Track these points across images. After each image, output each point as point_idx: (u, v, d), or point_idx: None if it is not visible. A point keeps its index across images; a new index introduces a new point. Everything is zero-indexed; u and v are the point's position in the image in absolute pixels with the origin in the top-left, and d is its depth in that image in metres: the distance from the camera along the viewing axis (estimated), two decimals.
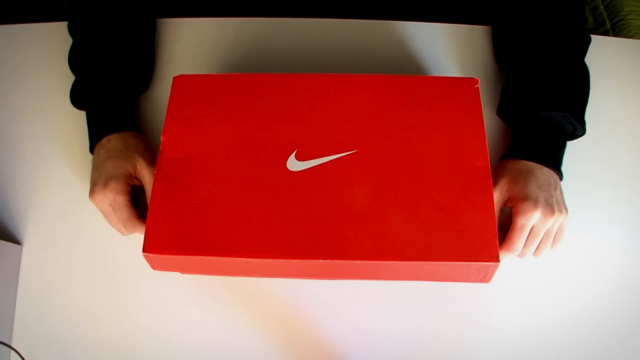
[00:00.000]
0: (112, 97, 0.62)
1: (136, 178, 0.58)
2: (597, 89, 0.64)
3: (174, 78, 0.59)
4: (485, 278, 0.53)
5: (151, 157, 0.59)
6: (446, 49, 0.71)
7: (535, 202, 0.54)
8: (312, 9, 0.74)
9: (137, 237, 0.55)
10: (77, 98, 0.63)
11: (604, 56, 0.69)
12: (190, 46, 0.72)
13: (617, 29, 0.89)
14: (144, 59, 0.67)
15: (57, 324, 0.59)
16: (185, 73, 0.59)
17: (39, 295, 0.60)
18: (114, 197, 0.56)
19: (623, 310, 0.58)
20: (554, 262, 0.60)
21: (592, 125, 0.62)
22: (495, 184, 0.57)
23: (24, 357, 0.53)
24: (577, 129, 0.60)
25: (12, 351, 0.54)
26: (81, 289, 0.60)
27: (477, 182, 0.52)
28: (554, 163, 0.58)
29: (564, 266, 0.60)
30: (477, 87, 0.57)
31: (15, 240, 0.62)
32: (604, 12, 0.91)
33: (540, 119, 0.59)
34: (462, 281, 0.54)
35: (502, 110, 0.64)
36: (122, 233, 0.58)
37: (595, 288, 0.59)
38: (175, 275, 0.60)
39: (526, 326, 0.58)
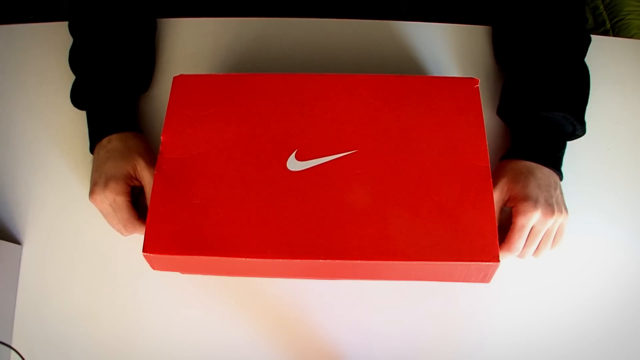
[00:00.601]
0: (112, 97, 0.62)
1: (136, 179, 0.58)
2: (597, 89, 0.64)
3: (174, 78, 0.59)
4: (485, 278, 0.53)
5: (151, 157, 0.59)
6: (446, 49, 0.71)
7: (535, 203, 0.54)
8: (312, 9, 0.74)
9: (137, 237, 0.55)
10: (78, 98, 0.63)
11: (604, 56, 0.69)
12: (190, 46, 0.72)
13: (617, 29, 0.89)
14: (145, 59, 0.67)
15: (57, 324, 0.59)
16: (185, 73, 0.59)
17: (39, 295, 0.60)
18: (114, 198, 0.56)
19: (623, 310, 0.58)
20: (554, 262, 0.60)
21: (592, 125, 0.62)
22: (495, 184, 0.57)
23: (24, 357, 0.53)
24: (577, 129, 0.60)
25: (12, 351, 0.54)
26: (81, 289, 0.60)
27: (477, 182, 0.52)
28: (554, 163, 0.58)
29: (564, 266, 0.60)
30: (477, 87, 0.57)
31: (15, 240, 0.62)
32: (604, 12, 0.91)
33: (540, 119, 0.59)
34: (462, 281, 0.54)
35: (502, 110, 0.64)
36: (121, 234, 0.58)
37: (595, 288, 0.59)
38: (175, 275, 0.60)
39: (526, 326, 0.58)
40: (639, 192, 0.63)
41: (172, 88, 0.58)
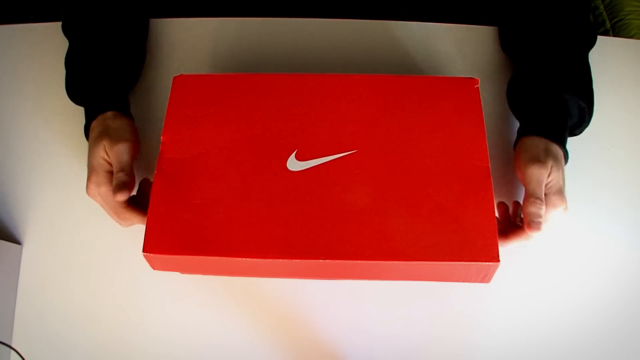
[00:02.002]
0: (99, 91, 0.61)
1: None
2: (597, 89, 0.64)
3: (174, 78, 0.59)
4: (485, 278, 0.53)
5: (120, 134, 0.57)
6: (446, 49, 0.71)
7: (564, 198, 0.54)
8: (312, 9, 0.74)
9: (137, 237, 0.55)
10: (70, 93, 0.63)
11: (604, 56, 0.69)
12: (190, 46, 0.72)
13: (617, 29, 0.89)
14: (133, 59, 0.67)
15: (57, 324, 0.59)
16: (185, 73, 0.59)
17: (39, 295, 0.60)
18: (98, 190, 0.55)
19: (623, 310, 0.58)
20: (554, 262, 0.60)
21: (592, 125, 0.62)
22: (535, 164, 0.54)
23: (24, 357, 0.53)
24: (587, 120, 0.60)
25: (12, 351, 0.54)
26: (81, 289, 0.60)
27: (477, 182, 0.52)
28: (564, 144, 0.57)
29: (564, 266, 0.60)
30: (477, 87, 0.57)
31: (15, 240, 0.62)
32: (604, 12, 0.91)
33: (563, 101, 0.58)
34: (462, 281, 0.54)
35: (517, 91, 0.63)
36: (120, 225, 0.58)
37: (595, 288, 0.59)
38: (175, 275, 0.60)
39: (526, 326, 0.58)
40: (639, 192, 0.63)
41: (172, 88, 0.58)
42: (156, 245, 0.51)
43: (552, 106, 0.59)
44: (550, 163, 0.55)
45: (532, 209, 0.52)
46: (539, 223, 0.52)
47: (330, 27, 0.72)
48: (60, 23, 0.69)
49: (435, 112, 0.56)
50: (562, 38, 0.62)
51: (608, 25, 0.90)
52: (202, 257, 0.51)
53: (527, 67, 0.63)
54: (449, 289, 0.59)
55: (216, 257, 0.51)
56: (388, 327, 0.58)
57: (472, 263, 0.49)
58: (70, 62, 0.64)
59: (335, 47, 0.71)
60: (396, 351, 0.57)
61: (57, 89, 0.68)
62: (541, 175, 0.54)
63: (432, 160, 0.53)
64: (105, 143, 0.56)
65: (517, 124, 0.62)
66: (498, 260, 0.49)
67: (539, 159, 0.54)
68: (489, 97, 0.67)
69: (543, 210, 0.52)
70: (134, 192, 0.58)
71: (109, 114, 0.59)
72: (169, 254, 0.51)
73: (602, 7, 0.92)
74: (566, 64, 0.61)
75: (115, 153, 0.55)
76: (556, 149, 0.56)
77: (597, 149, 0.65)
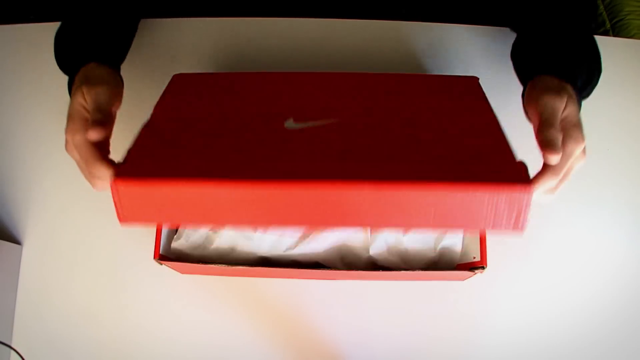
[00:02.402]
0: (83, 48, 0.57)
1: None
2: (597, 89, 0.64)
3: (173, 76, 0.59)
4: (517, 222, 0.43)
5: (100, 79, 0.52)
6: (446, 49, 0.71)
7: (583, 136, 0.49)
8: (312, 9, 0.74)
9: (137, 238, 0.55)
10: (58, 58, 0.61)
11: (604, 56, 0.69)
12: (190, 46, 0.72)
13: (617, 29, 0.89)
14: (124, 28, 0.63)
15: (57, 324, 0.59)
16: (185, 72, 0.59)
17: (39, 295, 0.60)
18: (72, 139, 0.49)
19: (623, 310, 0.58)
20: (554, 262, 0.60)
21: (592, 125, 0.62)
22: (550, 96, 0.50)
23: (24, 357, 0.53)
24: (596, 78, 0.58)
25: (12, 351, 0.54)
26: (81, 289, 0.60)
27: (489, 135, 0.48)
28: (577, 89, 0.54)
29: (564, 266, 0.60)
30: (478, 83, 0.57)
31: (15, 240, 0.62)
32: (604, 12, 0.91)
33: (572, 50, 0.56)
34: (491, 228, 0.43)
35: (523, 47, 0.61)
36: (93, 187, 0.50)
37: (595, 288, 0.59)
38: (176, 275, 0.60)
39: (526, 326, 0.58)
40: (639, 192, 0.63)
41: (169, 84, 0.57)
42: (130, 171, 0.44)
43: (563, 53, 0.56)
44: (565, 96, 0.50)
45: (546, 134, 0.46)
46: (557, 146, 0.45)
47: (330, 27, 0.72)
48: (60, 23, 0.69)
49: (439, 100, 0.54)
50: (566, 9, 0.60)
51: (608, 25, 0.90)
52: (180, 187, 0.43)
53: (533, 28, 0.60)
54: (449, 289, 0.59)
55: (196, 186, 0.43)
56: (388, 327, 0.58)
57: (501, 192, 0.41)
58: (60, 29, 0.61)
59: (336, 47, 0.71)
60: (396, 351, 0.57)
61: (57, 88, 0.68)
62: (556, 105, 0.48)
63: (440, 135, 0.48)
64: (83, 89, 0.51)
65: (517, 124, 0.62)
66: (530, 185, 0.41)
67: (554, 89, 0.50)
68: (488, 98, 0.67)
69: (559, 138, 0.46)
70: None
71: (91, 64, 0.55)
72: (144, 177, 0.43)
73: (602, 7, 0.92)
74: (571, 25, 0.59)
75: (92, 95, 0.50)
76: (570, 89, 0.52)
77: (597, 149, 0.65)
